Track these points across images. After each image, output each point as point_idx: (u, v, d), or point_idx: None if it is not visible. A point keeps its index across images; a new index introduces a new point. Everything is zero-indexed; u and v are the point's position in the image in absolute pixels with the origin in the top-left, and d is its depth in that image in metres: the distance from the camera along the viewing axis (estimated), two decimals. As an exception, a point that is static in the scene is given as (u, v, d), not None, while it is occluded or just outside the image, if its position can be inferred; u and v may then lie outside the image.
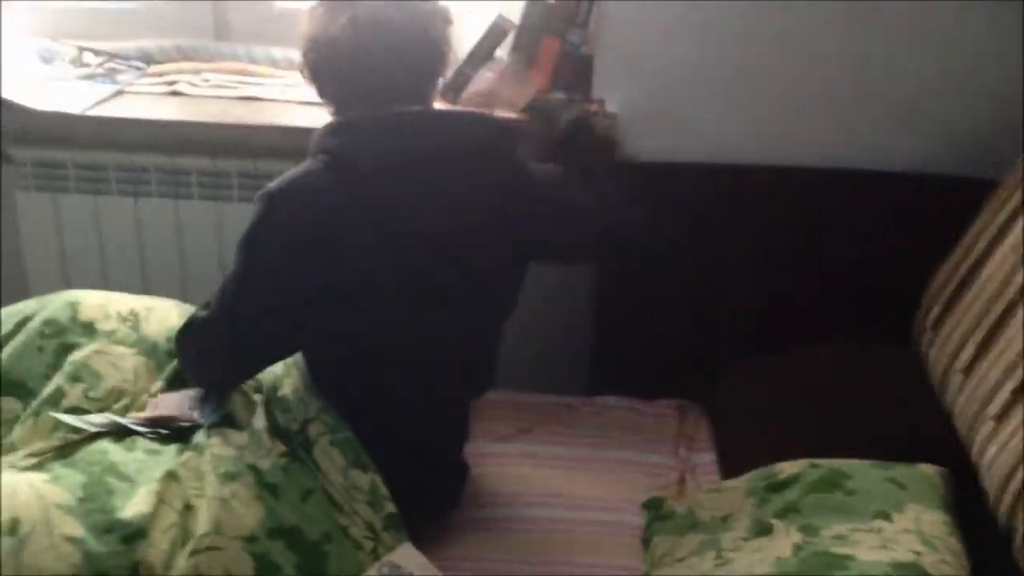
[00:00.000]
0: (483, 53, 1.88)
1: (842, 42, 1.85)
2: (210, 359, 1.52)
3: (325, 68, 1.48)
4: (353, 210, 1.42)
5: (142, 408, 1.56)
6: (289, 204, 1.42)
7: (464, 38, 1.91)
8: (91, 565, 1.29)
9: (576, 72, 1.90)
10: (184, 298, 1.86)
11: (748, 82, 1.89)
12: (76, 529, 1.30)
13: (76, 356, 1.55)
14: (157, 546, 1.32)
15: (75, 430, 1.47)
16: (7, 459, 1.44)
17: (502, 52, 1.91)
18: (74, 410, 1.50)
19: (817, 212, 1.88)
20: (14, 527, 1.27)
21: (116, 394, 1.55)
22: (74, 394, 1.51)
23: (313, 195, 1.42)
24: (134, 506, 1.34)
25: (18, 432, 1.48)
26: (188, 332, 1.52)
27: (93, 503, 1.33)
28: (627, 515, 1.63)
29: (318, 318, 1.46)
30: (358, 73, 1.45)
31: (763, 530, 1.39)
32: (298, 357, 1.57)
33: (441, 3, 1.51)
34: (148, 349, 1.62)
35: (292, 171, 1.45)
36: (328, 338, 1.50)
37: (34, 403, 1.50)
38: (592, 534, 1.60)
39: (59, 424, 1.48)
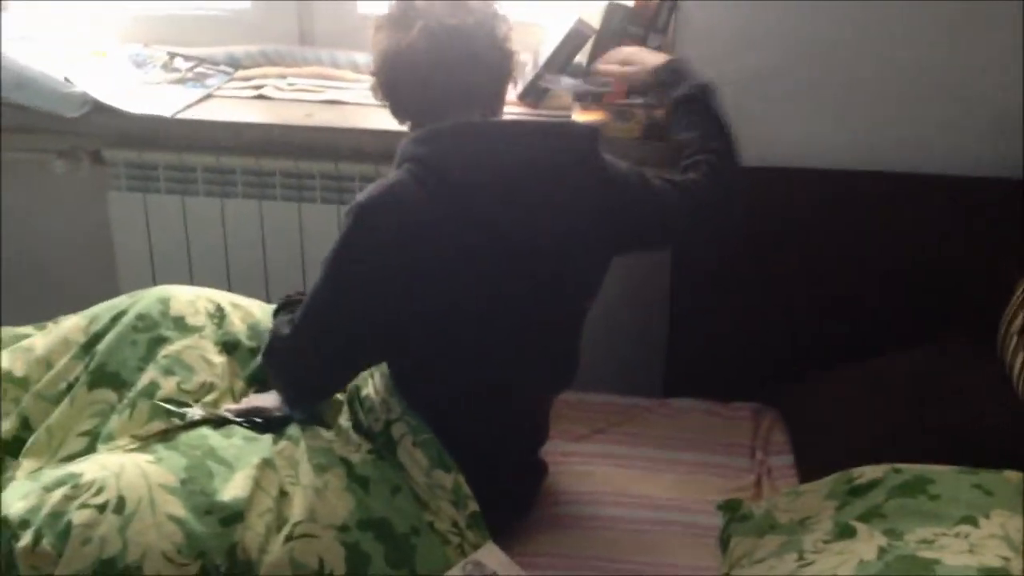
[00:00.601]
0: (563, 58, 1.90)
1: (923, 46, 1.84)
2: (300, 374, 1.53)
3: (402, 79, 1.49)
4: (444, 220, 1.42)
5: (231, 404, 1.61)
6: (380, 217, 1.42)
7: (545, 43, 1.94)
8: (192, 544, 1.33)
9: (655, 77, 1.92)
10: (267, 295, 1.91)
11: (826, 86, 1.88)
12: (178, 509, 1.35)
13: (169, 350, 1.60)
14: (254, 529, 1.37)
15: (173, 415, 1.52)
16: (108, 446, 1.49)
17: (582, 57, 1.93)
18: (168, 402, 1.55)
19: (898, 216, 1.87)
20: (120, 505, 1.33)
21: (207, 388, 1.59)
22: (168, 386, 1.56)
23: (404, 206, 1.42)
24: (232, 490, 1.38)
25: (115, 422, 1.53)
26: (275, 349, 1.53)
27: (194, 485, 1.38)
28: (703, 516, 1.64)
29: (408, 327, 1.47)
30: (437, 78, 1.47)
31: (846, 533, 1.39)
32: None
33: (499, 8, 1.53)
34: (231, 346, 1.67)
35: (381, 182, 1.45)
36: (415, 345, 1.51)
37: (129, 394, 1.55)
38: (668, 534, 1.61)
39: (154, 414, 1.53)
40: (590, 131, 1.56)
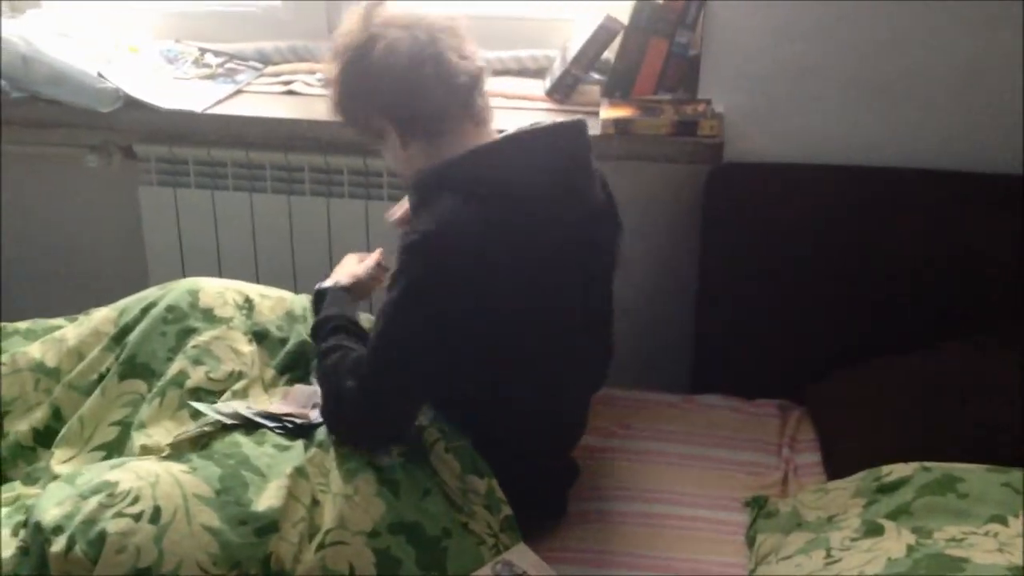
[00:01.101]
0: (591, 54, 1.91)
1: (952, 44, 1.82)
2: (379, 423, 1.48)
3: (423, 85, 1.44)
4: (506, 238, 1.41)
5: (260, 392, 1.61)
6: (449, 250, 1.38)
7: (573, 39, 1.94)
8: (227, 555, 1.33)
9: (683, 73, 1.92)
10: (295, 288, 1.93)
11: (855, 83, 1.87)
12: (213, 520, 1.35)
13: (197, 340, 1.61)
14: (287, 539, 1.37)
15: (199, 414, 1.52)
16: (141, 438, 1.51)
17: (609, 53, 1.93)
18: (197, 391, 1.56)
19: (926, 214, 1.86)
20: (156, 515, 1.33)
21: (235, 376, 1.60)
22: (197, 376, 1.57)
23: (470, 232, 1.39)
24: (266, 500, 1.38)
25: (145, 411, 1.54)
26: (346, 405, 1.45)
27: (229, 495, 1.37)
28: (729, 513, 1.64)
29: (482, 349, 1.45)
30: (461, 79, 1.45)
31: (874, 530, 1.38)
32: None
33: None
34: (260, 335, 1.68)
35: (438, 215, 1.39)
36: (485, 363, 1.48)
37: (159, 384, 1.57)
38: (694, 530, 1.61)
39: (184, 403, 1.54)
40: (583, 124, 1.54)
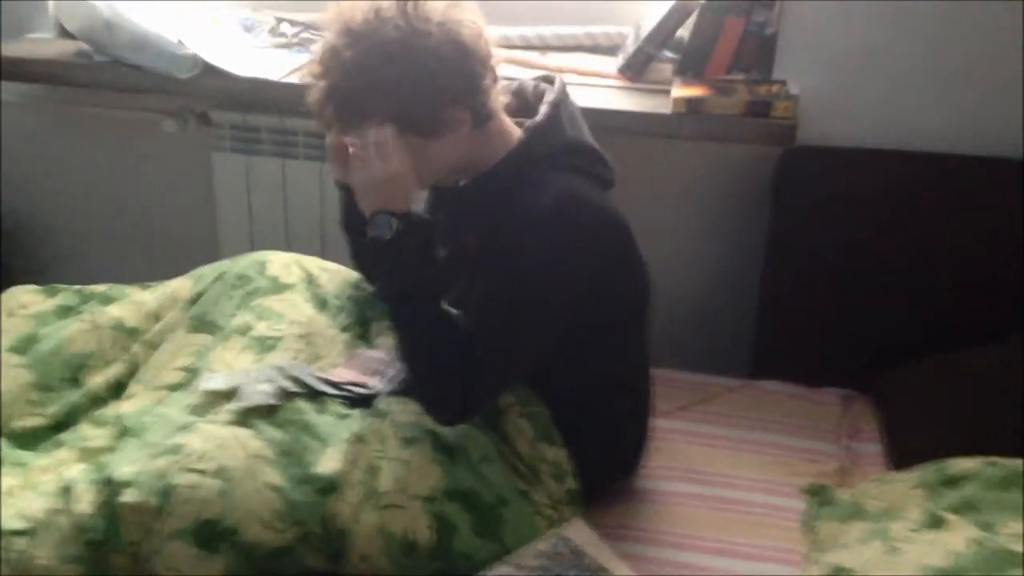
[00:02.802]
0: (666, 31, 1.89)
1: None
2: (487, 394, 1.48)
3: (478, 66, 1.39)
4: (614, 204, 1.46)
5: (324, 344, 1.64)
6: (583, 218, 1.39)
7: (647, 16, 1.93)
8: (290, 512, 1.37)
9: (758, 53, 1.89)
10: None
11: (934, 68, 1.84)
12: (277, 479, 1.39)
13: (261, 301, 1.66)
14: (347, 500, 1.40)
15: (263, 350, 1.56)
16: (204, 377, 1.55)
17: (684, 31, 1.91)
18: (260, 340, 1.59)
19: (1004, 203, 1.81)
20: (222, 472, 1.38)
21: (296, 327, 1.63)
22: (260, 328, 1.61)
23: (595, 203, 1.42)
24: (326, 463, 1.42)
25: (213, 354, 1.59)
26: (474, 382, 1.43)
27: (291, 457, 1.42)
28: (786, 499, 1.62)
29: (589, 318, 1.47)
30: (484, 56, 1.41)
31: (935, 523, 1.36)
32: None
33: None
34: (320, 303, 1.71)
35: (555, 191, 1.38)
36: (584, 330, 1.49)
37: (224, 331, 1.63)
38: (751, 514, 1.60)
39: (248, 345, 1.58)
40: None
